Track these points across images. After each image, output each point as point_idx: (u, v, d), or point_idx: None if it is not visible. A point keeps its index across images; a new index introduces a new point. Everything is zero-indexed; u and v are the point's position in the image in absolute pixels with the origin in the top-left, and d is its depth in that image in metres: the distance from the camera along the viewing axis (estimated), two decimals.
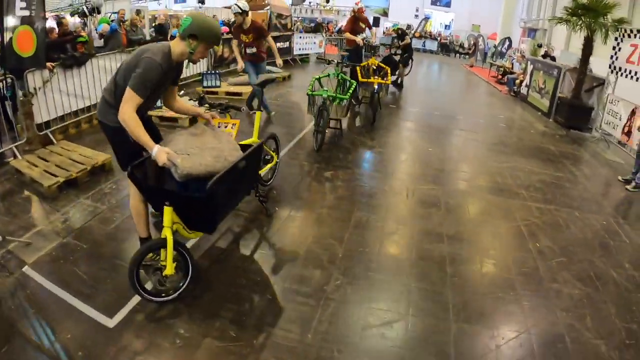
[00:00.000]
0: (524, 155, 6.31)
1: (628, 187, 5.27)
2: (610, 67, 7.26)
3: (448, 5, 27.32)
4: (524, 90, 11.42)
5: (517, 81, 12.34)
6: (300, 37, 12.83)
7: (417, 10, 27.21)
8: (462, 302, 2.80)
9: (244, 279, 2.85)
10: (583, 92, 8.36)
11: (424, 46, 23.71)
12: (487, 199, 4.52)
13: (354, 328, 2.51)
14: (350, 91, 5.39)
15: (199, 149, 2.50)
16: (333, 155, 5.29)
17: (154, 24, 8.09)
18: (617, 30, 6.96)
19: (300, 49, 12.73)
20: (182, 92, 7.45)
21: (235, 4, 5.84)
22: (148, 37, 7.64)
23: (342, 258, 3.14)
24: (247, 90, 7.86)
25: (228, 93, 7.76)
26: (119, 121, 2.39)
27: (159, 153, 2.33)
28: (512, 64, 14.76)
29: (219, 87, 7.71)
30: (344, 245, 3.32)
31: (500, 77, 15.21)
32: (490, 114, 9.51)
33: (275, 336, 2.38)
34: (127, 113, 2.30)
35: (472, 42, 22.00)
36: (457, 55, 23.76)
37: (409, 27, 25.37)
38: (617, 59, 7.03)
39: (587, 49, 7.66)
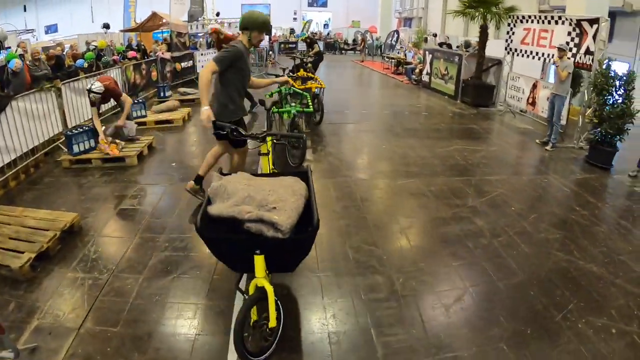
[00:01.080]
0: (458, 137, 7.59)
1: (547, 147, 6.82)
2: (506, 49, 9.10)
3: (324, 5, 29.64)
4: (425, 78, 13.25)
5: (417, 70, 14.25)
6: (202, 54, 12.84)
7: (295, 14, 29.01)
8: (494, 262, 3.58)
9: (321, 304, 3.02)
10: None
11: None
12: (454, 180, 5.47)
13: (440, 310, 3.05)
14: (310, 102, 5.93)
15: (273, 192, 2.42)
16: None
17: (47, 57, 7.47)
18: (509, 17, 8.78)
19: (203, 67, 12.70)
20: (105, 127, 7.12)
21: (92, 91, 5.89)
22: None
23: (387, 259, 3.63)
24: (176, 116, 7.83)
25: (158, 122, 7.63)
26: (234, 118, 3.60)
27: (204, 112, 3.07)
28: (406, 54, 16.86)
29: (145, 116, 7.53)
30: (380, 248, 3.81)
31: (395, 68, 17.22)
32: (407, 104, 10.89)
33: (391, 342, 2.68)
34: (203, 71, 3.27)
35: (360, 39, 24.23)
36: (343, 52, 25.89)
37: (292, 31, 26.87)
38: (512, 41, 8.86)
39: (483, 35, 9.45)
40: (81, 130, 5.83)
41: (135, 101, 7.42)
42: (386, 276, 3.36)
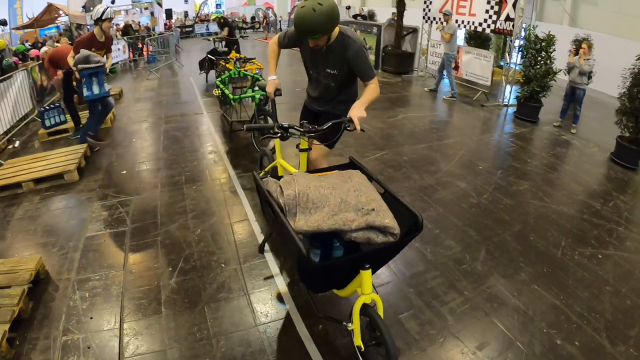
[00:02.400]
0: (398, 105, 8.15)
1: (426, 88, 8.63)
2: (424, 17, 9.87)
3: None
4: None
5: None
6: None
7: None
8: (491, 217, 4.14)
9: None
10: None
11: (208, 29, 24.18)
12: (419, 148, 5.99)
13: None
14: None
15: (360, 192, 2.22)
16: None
17: None
18: None
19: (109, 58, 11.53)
20: (17, 142, 6.28)
21: (111, 8, 5.49)
22: None
23: None
24: None
25: None
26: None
27: (270, 82, 3.09)
28: None
29: (66, 122, 6.72)
30: None
31: None
32: None
33: (454, 308, 3.02)
34: (271, 40, 3.17)
35: (261, 16, 23.96)
36: (243, 31, 25.21)
37: (186, 14, 25.43)
38: (429, 10, 9.62)
39: (401, 6, 10.09)
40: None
41: (49, 107, 6.58)
42: (415, 249, 3.71)
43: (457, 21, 8.66)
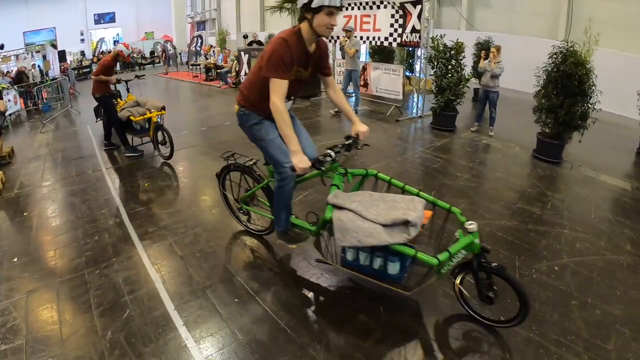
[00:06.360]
0: (313, 132, 7.74)
1: (332, 111, 8.78)
2: (327, 37, 9.72)
3: (112, 20, 28.01)
4: (244, 79, 13.25)
5: (233, 73, 14.15)
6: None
7: (82, 34, 26.94)
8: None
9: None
10: None
11: None
12: None
13: None
14: None
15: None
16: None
17: None
18: None
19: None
20: None
21: None
22: None
23: None
24: None
25: None
26: None
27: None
28: (216, 59, 16.51)
29: None
30: None
31: (205, 75, 16.73)
32: None
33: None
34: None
35: (160, 50, 22.90)
36: (141, 67, 23.69)
37: (82, 53, 23.90)
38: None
39: None
40: None
41: None
42: None
43: (361, 38, 8.61)
